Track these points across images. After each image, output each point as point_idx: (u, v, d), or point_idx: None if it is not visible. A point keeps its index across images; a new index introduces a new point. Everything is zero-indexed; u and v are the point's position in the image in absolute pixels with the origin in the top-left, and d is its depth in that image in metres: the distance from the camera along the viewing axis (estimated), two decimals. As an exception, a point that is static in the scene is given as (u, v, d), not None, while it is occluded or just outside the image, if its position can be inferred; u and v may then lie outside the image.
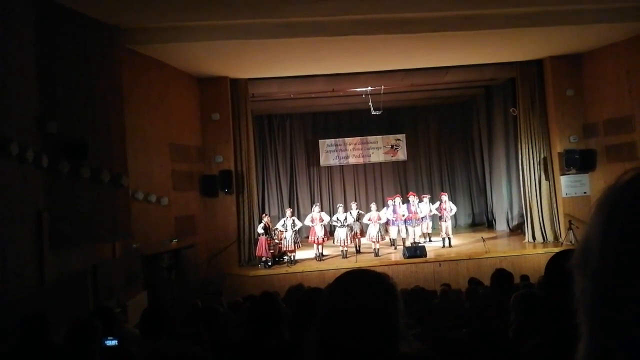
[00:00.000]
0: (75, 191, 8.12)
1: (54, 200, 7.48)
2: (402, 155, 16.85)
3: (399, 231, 13.55)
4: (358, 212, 13.46)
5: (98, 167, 8.61)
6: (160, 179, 11.18)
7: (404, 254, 12.07)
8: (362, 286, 1.39)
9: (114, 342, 3.73)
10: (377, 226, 13.23)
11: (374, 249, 12.99)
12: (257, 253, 12.36)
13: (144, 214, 10.30)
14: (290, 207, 15.32)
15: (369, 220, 13.38)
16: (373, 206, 13.78)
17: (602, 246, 0.67)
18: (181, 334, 3.93)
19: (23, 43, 7.09)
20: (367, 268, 1.53)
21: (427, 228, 14.09)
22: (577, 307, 0.71)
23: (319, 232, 12.69)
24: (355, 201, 14.62)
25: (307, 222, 13.02)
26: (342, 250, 12.81)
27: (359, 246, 13.50)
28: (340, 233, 12.87)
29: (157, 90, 11.44)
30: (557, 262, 1.60)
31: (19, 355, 3.31)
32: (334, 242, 13.19)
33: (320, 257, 12.71)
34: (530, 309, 2.79)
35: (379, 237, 13.23)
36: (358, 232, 13.43)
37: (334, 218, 13.35)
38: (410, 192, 14.78)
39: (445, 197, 14.20)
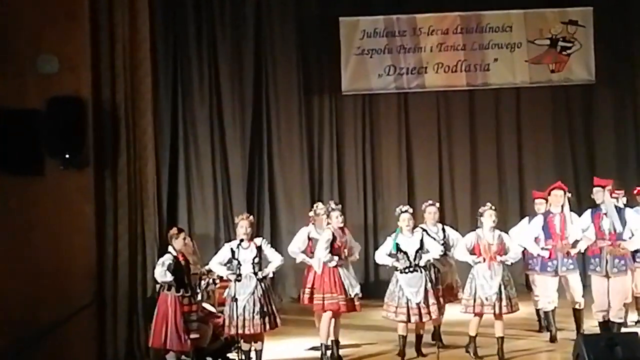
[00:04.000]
0: None
1: None
2: (579, 69, 8.74)
3: (562, 285, 6.99)
4: (443, 228, 6.85)
5: None
6: None
7: (578, 356, 6.13)
8: None
9: None
10: (499, 272, 6.39)
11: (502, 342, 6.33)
12: (154, 341, 6.38)
13: None
14: (248, 210, 8.04)
15: (471, 250, 6.48)
16: (488, 212, 6.50)
17: None
18: None
19: None
20: None
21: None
22: None
23: (332, 280, 6.29)
24: (438, 201, 7.29)
25: (297, 253, 6.60)
26: (402, 336, 6.31)
27: (439, 326, 6.78)
28: (401, 284, 6.43)
29: None
30: None
31: None
32: (388, 313, 6.37)
33: (332, 355, 6.36)
34: None
35: (503, 300, 6.29)
36: (451, 281, 6.83)
37: (390, 245, 6.52)
38: (601, 180, 7.00)
39: None
